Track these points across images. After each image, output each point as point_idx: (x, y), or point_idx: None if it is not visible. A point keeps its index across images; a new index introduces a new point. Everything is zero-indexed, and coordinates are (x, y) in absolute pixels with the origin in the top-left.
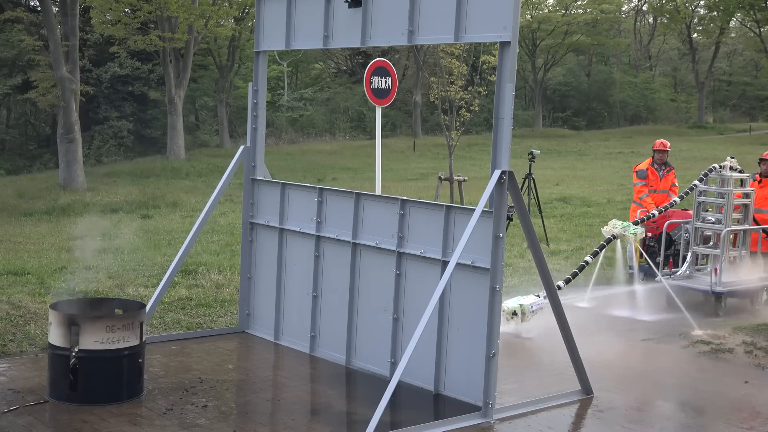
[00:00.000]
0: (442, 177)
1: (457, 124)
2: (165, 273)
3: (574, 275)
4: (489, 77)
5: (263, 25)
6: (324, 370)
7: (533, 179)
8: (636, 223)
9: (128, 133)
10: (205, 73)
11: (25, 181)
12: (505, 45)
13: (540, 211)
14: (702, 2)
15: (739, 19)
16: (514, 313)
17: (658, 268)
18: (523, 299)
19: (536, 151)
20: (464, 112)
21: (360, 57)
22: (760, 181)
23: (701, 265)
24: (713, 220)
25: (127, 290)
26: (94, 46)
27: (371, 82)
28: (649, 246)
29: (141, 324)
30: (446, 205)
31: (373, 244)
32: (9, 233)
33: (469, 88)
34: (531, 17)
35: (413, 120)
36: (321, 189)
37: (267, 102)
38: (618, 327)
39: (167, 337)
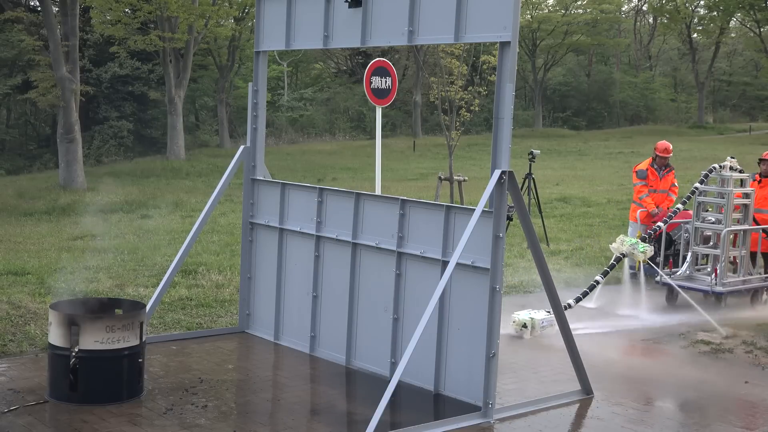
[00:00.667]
0: (442, 177)
1: (457, 124)
2: (165, 273)
3: (585, 294)
4: (489, 77)
5: (263, 25)
6: (324, 370)
7: (533, 179)
8: (644, 240)
9: (128, 133)
10: (205, 73)
11: (25, 181)
12: (505, 45)
13: (540, 211)
14: (702, 2)
15: (739, 19)
16: (524, 326)
17: (658, 268)
18: (535, 313)
19: (536, 151)
20: (464, 112)
21: (360, 57)
22: (759, 181)
23: (701, 265)
24: (713, 220)
25: (127, 290)
26: (94, 46)
27: (371, 82)
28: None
29: (141, 324)
30: (446, 205)
31: (373, 244)
32: (9, 233)
33: (469, 88)
34: (531, 17)
35: (413, 120)
36: (321, 189)
37: (267, 102)
38: (620, 327)
39: (167, 337)
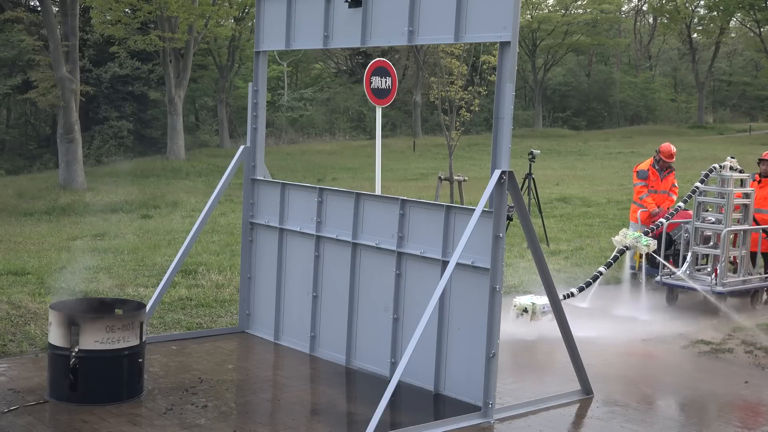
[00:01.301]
0: (442, 177)
1: (457, 124)
2: (165, 273)
3: (588, 284)
4: (489, 77)
5: (263, 25)
6: (324, 370)
7: (533, 179)
8: (647, 234)
9: (128, 133)
10: (205, 73)
11: (25, 181)
12: (505, 45)
13: (540, 211)
14: (702, 2)
15: (739, 19)
16: (525, 310)
17: (658, 268)
18: (537, 299)
19: (536, 151)
20: (464, 112)
21: (360, 57)
22: (759, 181)
23: (701, 265)
24: (713, 220)
25: (127, 290)
26: (94, 46)
27: (371, 82)
28: None
29: (141, 324)
30: (446, 205)
31: (373, 244)
32: (9, 233)
33: (469, 88)
34: (531, 17)
35: (413, 120)
36: (321, 189)
37: (267, 102)
38: (618, 327)
39: (167, 337)
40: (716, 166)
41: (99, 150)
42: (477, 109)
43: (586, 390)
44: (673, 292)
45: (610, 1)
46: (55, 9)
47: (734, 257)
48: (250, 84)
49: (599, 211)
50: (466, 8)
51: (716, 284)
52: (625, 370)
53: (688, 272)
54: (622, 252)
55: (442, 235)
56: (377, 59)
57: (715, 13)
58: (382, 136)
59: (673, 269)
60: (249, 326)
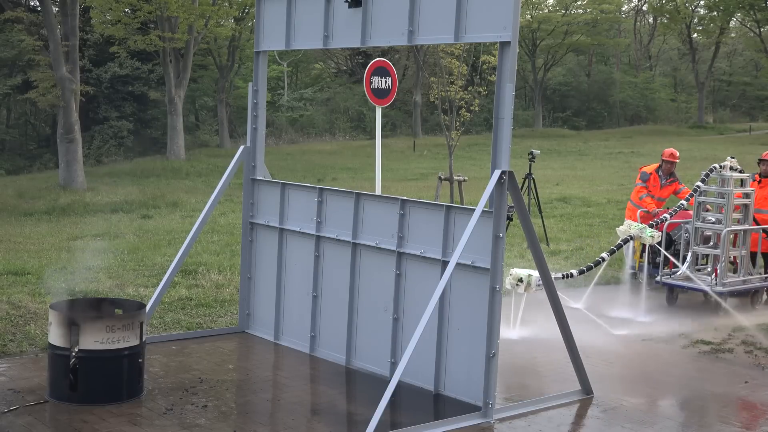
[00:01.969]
0: (442, 177)
1: (457, 124)
2: (165, 273)
3: (589, 268)
4: (489, 77)
5: (263, 25)
6: (324, 370)
7: (533, 179)
8: (651, 226)
9: (128, 133)
10: (205, 73)
11: (25, 181)
12: (505, 45)
13: (540, 211)
14: (702, 2)
15: (739, 19)
16: (520, 280)
17: (658, 269)
18: (534, 272)
19: (536, 151)
20: (464, 112)
21: (360, 57)
22: (759, 181)
23: (701, 265)
24: (713, 220)
25: (127, 290)
26: (94, 46)
27: (371, 82)
28: (650, 246)
29: (141, 324)
30: (446, 205)
31: (373, 244)
32: (9, 233)
33: (469, 88)
34: (531, 17)
35: (413, 120)
36: (321, 189)
37: (267, 102)
38: (613, 327)
39: (167, 337)
40: (716, 166)
41: (99, 150)
42: (477, 109)
43: (586, 390)
44: (673, 292)
45: (610, 1)
46: (55, 9)
47: (734, 257)
48: (250, 84)
49: (599, 211)
50: (466, 8)
51: (716, 284)
52: (625, 370)
53: (687, 272)
54: (626, 241)
55: (442, 235)
56: (377, 59)
57: (715, 13)
58: (382, 136)
59: (680, 265)
60: (249, 326)
